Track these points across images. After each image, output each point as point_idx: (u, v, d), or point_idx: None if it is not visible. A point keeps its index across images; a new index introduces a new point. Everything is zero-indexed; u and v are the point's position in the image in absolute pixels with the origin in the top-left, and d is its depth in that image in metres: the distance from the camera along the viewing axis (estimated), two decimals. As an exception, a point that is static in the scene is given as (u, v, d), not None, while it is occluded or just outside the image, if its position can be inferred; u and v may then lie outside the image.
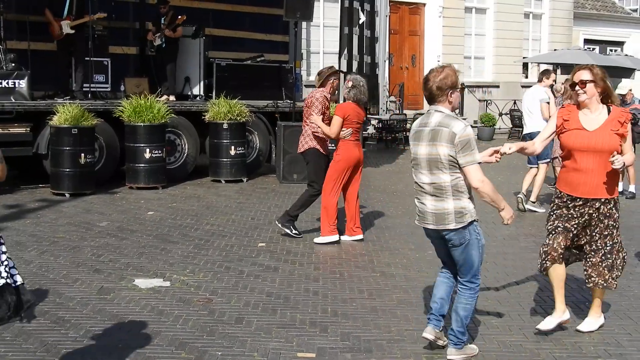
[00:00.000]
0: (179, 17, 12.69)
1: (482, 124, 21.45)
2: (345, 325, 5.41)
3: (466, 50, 22.99)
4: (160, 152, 11.13)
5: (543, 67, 21.43)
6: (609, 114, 5.17)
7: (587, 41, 26.20)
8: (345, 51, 15.90)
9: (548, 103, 10.14)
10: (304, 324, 5.41)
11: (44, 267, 6.74)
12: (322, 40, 20.13)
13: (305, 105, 8.29)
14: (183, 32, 13.07)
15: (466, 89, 22.35)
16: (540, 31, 25.06)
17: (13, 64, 10.95)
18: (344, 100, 8.14)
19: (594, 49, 24.57)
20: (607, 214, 5.18)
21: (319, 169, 8.21)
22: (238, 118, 11.90)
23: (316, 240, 8.02)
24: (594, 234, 5.23)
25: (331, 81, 8.28)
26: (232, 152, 11.99)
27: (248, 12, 15.03)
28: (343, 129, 7.85)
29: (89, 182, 10.54)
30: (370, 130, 18.18)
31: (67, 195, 10.27)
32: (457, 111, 4.74)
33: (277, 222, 8.27)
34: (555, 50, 22.72)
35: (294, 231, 8.15)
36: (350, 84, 7.99)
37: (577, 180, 5.16)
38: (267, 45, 15.17)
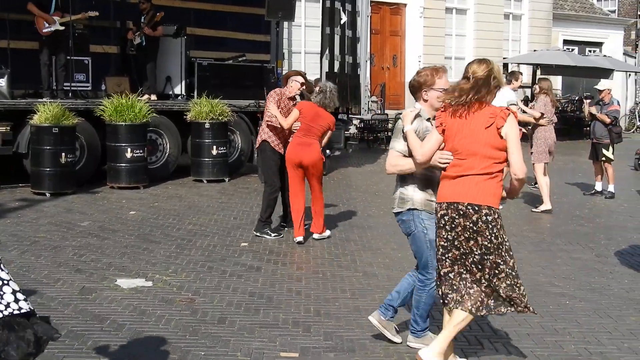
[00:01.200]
0: (158, 14, 12.63)
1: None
2: (328, 324, 5.43)
3: (447, 51, 23.08)
4: (141, 151, 11.09)
5: (512, 67, 21.64)
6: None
7: (566, 42, 26.42)
8: (327, 51, 15.94)
9: (516, 105, 10.22)
10: (287, 324, 5.42)
11: (25, 267, 6.70)
12: (303, 40, 20.13)
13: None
14: (164, 32, 13.02)
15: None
16: (520, 32, 25.22)
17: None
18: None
19: (572, 50, 24.77)
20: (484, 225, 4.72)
21: (268, 165, 8.29)
22: (220, 118, 11.89)
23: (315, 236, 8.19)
24: None
25: (288, 81, 8.37)
26: (214, 152, 11.97)
27: (230, 11, 15.00)
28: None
29: (70, 182, 10.48)
30: (352, 130, 18.21)
31: (47, 194, 10.21)
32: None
33: (254, 233, 8.22)
34: (535, 50, 22.91)
35: (272, 235, 8.16)
36: (317, 88, 8.18)
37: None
38: (249, 44, 15.15)
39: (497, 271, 4.41)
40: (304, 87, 8.50)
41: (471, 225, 4.36)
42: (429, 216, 4.75)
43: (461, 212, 4.37)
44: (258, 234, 8.19)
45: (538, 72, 20.76)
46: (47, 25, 11.34)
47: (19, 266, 6.71)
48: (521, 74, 12.27)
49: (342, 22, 15.98)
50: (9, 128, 10.48)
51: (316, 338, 5.15)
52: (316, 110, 8.01)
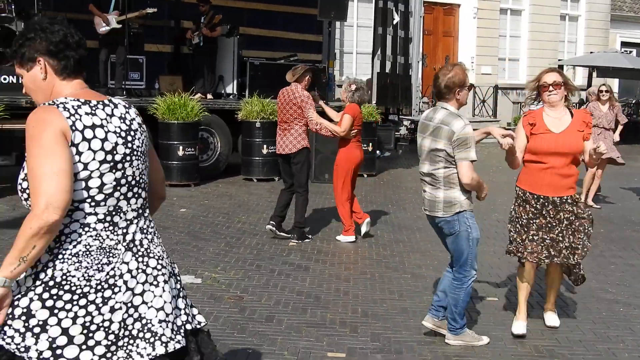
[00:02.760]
0: (216, 16, 12.77)
1: (516, 126, 21.26)
2: (375, 325, 5.40)
3: (500, 52, 22.83)
4: (193, 149, 11.20)
5: (567, 70, 21.25)
6: (572, 116, 5.22)
7: (624, 44, 25.87)
8: (379, 51, 15.90)
9: None
10: (335, 324, 5.41)
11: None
12: (355, 41, 20.12)
13: (285, 102, 8.09)
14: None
15: (500, 91, 22.17)
16: (576, 33, 24.79)
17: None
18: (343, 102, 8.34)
19: (630, 52, 24.24)
20: (570, 211, 5.23)
21: (309, 169, 8.33)
22: (270, 117, 11.92)
23: (338, 238, 8.12)
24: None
25: (307, 77, 8.21)
26: (264, 151, 12.03)
27: (282, 11, 15.06)
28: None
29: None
30: (403, 131, 18.13)
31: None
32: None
33: (293, 242, 7.95)
34: (591, 52, 22.46)
35: (310, 237, 8.15)
36: (354, 87, 8.11)
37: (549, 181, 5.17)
38: (301, 44, 15.20)
39: None
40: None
41: None
42: (471, 215, 4.90)
43: None
44: (300, 242, 7.96)
45: (594, 74, 20.36)
46: (104, 24, 11.55)
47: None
48: (590, 76, 12.21)
49: (394, 22, 15.93)
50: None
51: (363, 339, 5.13)
52: (359, 110, 8.13)
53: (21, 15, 11.08)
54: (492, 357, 4.87)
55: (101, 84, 11.80)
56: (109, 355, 2.55)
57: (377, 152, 13.96)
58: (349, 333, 5.24)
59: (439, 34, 21.74)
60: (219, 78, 13.61)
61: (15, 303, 2.53)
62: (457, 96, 4.83)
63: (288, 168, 8.14)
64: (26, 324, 2.51)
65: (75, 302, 2.53)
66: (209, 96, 12.77)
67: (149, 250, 2.72)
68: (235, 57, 13.48)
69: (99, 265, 2.57)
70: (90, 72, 11.77)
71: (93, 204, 2.59)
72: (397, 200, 10.91)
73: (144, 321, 2.63)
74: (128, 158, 2.66)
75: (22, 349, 2.49)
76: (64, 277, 2.53)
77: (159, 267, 2.73)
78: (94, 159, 2.57)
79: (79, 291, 2.54)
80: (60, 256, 2.55)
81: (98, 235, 2.59)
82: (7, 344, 2.50)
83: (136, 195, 2.73)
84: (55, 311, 2.51)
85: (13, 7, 10.81)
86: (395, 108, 16.92)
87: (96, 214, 2.59)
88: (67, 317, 2.52)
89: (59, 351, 2.50)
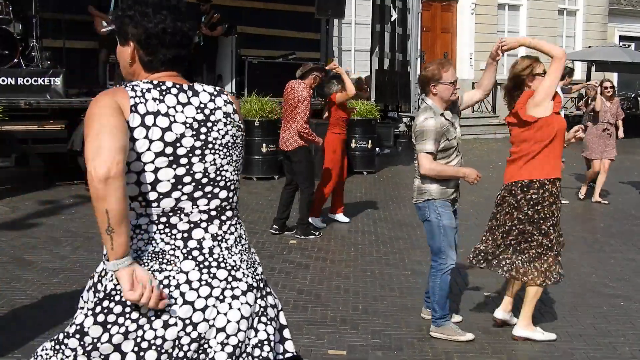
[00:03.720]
0: (215, 15, 12.76)
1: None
2: (376, 322, 5.41)
3: (499, 48, 22.78)
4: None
5: (577, 64, 21.24)
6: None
7: (622, 38, 25.86)
8: (377, 49, 15.90)
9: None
10: (335, 321, 5.42)
11: (78, 262, 6.83)
12: (353, 38, 20.12)
13: (287, 98, 8.11)
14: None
15: (499, 87, 22.14)
16: (574, 28, 24.79)
17: (49, 62, 11.11)
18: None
19: (629, 46, 24.22)
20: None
21: (310, 166, 8.22)
22: (269, 115, 11.94)
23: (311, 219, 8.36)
24: None
25: (314, 75, 8.20)
26: (264, 150, 12.04)
27: (280, 10, 15.06)
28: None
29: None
30: (402, 128, 18.13)
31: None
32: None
33: (297, 236, 8.04)
34: (589, 47, 22.45)
35: (316, 234, 8.15)
36: (333, 81, 8.58)
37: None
38: (299, 43, 15.19)
39: None
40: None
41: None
42: (443, 204, 4.98)
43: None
44: (304, 236, 8.04)
45: (593, 68, 20.36)
46: (105, 25, 11.54)
47: (73, 262, 6.85)
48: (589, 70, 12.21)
49: (392, 19, 15.93)
50: (64, 126, 10.70)
51: (364, 336, 5.14)
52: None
53: (19, 17, 11.10)
54: (493, 353, 4.88)
55: (100, 84, 11.81)
56: None
57: (377, 149, 13.95)
58: (350, 330, 5.24)
59: (437, 30, 21.73)
60: (217, 77, 13.61)
61: (73, 319, 2.33)
62: (433, 91, 4.95)
63: (289, 164, 8.15)
64: (81, 342, 2.26)
65: (127, 316, 2.25)
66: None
67: (219, 260, 2.37)
68: (234, 56, 13.48)
69: (150, 273, 2.25)
70: (87, 73, 11.82)
71: (144, 203, 2.30)
72: (396, 197, 10.91)
73: (202, 341, 2.31)
74: (198, 152, 2.34)
75: None
76: (115, 287, 2.26)
77: (229, 278, 2.37)
78: (149, 149, 2.27)
79: (129, 302, 2.24)
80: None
81: (151, 238, 2.30)
82: None
83: (209, 196, 2.39)
84: (108, 326, 2.24)
85: (11, 8, 10.81)
86: (394, 105, 16.92)
87: (148, 215, 2.30)
88: (118, 332, 2.24)
89: None
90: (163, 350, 2.26)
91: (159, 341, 2.25)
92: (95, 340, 2.23)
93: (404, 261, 7.22)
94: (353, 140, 12.68)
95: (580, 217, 9.79)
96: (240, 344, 2.33)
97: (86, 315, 2.27)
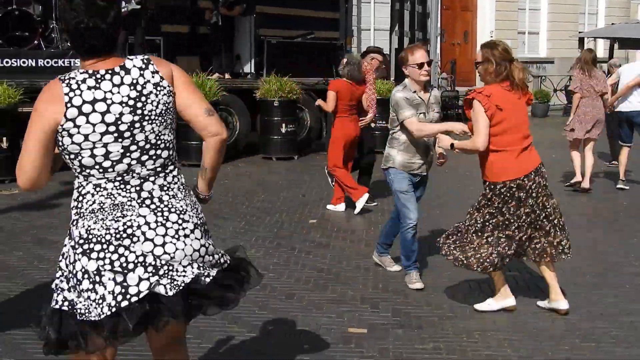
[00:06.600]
0: None
1: (537, 101, 21.05)
2: (396, 301, 5.41)
3: (520, 26, 22.57)
4: (212, 129, 11.20)
5: (588, 42, 20.84)
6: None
7: (646, 14, 25.45)
8: (397, 27, 15.80)
9: None
10: (355, 300, 5.43)
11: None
12: (372, 17, 19.97)
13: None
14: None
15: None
16: (597, 5, 24.44)
17: (68, 43, 11.14)
18: (339, 77, 8.48)
19: (653, 23, 23.85)
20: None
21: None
22: (289, 95, 11.92)
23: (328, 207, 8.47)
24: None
25: (368, 59, 8.31)
26: (283, 130, 12.03)
27: (299, -11, 14.97)
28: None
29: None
30: (422, 107, 18.03)
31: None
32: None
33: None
34: (612, 24, 22.13)
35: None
36: (344, 60, 8.37)
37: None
38: (318, 22, 15.10)
39: None
40: (381, 64, 8.50)
41: (545, 182, 5.01)
42: (397, 172, 5.58)
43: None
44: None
45: (615, 46, 20.09)
46: (124, 4, 11.54)
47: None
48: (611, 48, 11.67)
49: (412, -3, 15.80)
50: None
51: (384, 314, 5.14)
52: (347, 86, 8.26)
53: (38, -2, 11.13)
54: (513, 332, 4.86)
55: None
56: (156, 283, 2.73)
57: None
58: (370, 309, 5.25)
59: (457, 8, 21.51)
60: (236, 57, 13.59)
61: (62, 265, 2.87)
62: (405, 71, 5.49)
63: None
64: (77, 282, 2.77)
65: (106, 250, 2.73)
66: (227, 76, 12.76)
67: (169, 206, 2.82)
68: (252, 36, 13.44)
69: (114, 217, 2.74)
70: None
71: (101, 170, 2.76)
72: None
73: (169, 265, 2.77)
74: (137, 125, 2.75)
75: (79, 304, 2.74)
76: (88, 231, 2.76)
77: (179, 221, 2.82)
78: (94, 131, 2.70)
79: (103, 240, 2.73)
80: (81, 214, 2.80)
81: (109, 194, 2.76)
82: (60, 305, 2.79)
83: (153, 157, 2.83)
84: (93, 261, 2.74)
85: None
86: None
87: (106, 177, 2.77)
88: (104, 264, 2.72)
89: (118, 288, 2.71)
90: (147, 264, 2.73)
91: (140, 258, 2.73)
92: (88, 275, 2.73)
93: (423, 240, 7.19)
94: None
95: (601, 197, 9.70)
96: (200, 268, 2.81)
97: (76, 260, 2.78)
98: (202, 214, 2.98)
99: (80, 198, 2.82)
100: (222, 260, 2.96)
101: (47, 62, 10.62)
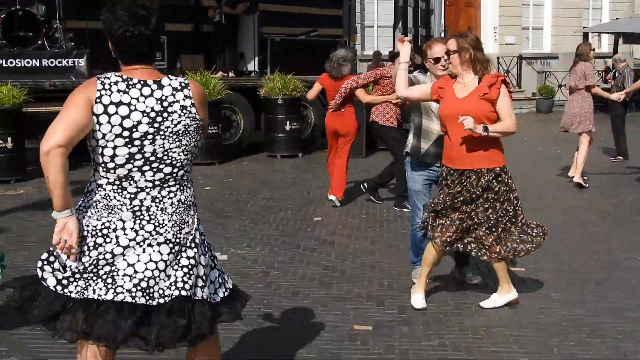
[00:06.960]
0: None
1: (541, 96, 21.03)
2: (401, 298, 5.40)
3: (524, 21, 22.54)
4: (216, 128, 11.22)
5: (592, 37, 20.77)
6: (479, 82, 4.92)
7: (651, 9, 25.37)
8: (400, 24, 15.75)
9: None
10: (361, 297, 5.42)
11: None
12: (376, 14, 19.97)
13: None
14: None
15: (524, 61, 21.91)
16: (601, 0, 24.37)
17: (72, 43, 11.15)
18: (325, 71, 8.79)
19: (658, 18, 23.77)
20: (486, 186, 4.91)
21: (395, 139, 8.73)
22: (293, 93, 11.91)
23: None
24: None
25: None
26: (287, 127, 12.02)
27: (301, -14, 14.95)
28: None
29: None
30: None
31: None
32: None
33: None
34: (617, 19, 22.08)
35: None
36: (331, 57, 8.74)
37: (451, 152, 4.98)
38: (321, 19, 15.08)
39: None
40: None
41: None
42: (410, 163, 5.53)
43: None
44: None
45: (620, 41, 20.04)
46: None
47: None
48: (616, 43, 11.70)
49: (415, -7, 15.76)
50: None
51: (390, 311, 5.14)
52: (329, 81, 8.56)
53: (42, -1, 11.15)
54: (519, 328, 4.85)
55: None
56: (71, 279, 2.95)
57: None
58: (376, 306, 5.24)
59: (461, 4, 21.49)
60: (239, 55, 13.59)
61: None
62: (426, 65, 5.58)
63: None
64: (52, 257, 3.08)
65: (84, 243, 2.98)
66: (231, 74, 12.76)
67: (152, 217, 2.98)
68: (256, 34, 13.44)
69: (99, 217, 2.97)
70: (110, 54, 11.82)
71: (105, 169, 2.97)
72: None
73: (113, 268, 2.93)
74: (150, 137, 2.93)
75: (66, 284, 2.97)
76: (84, 225, 3.00)
77: (153, 233, 2.98)
78: (110, 131, 2.90)
79: (84, 234, 2.98)
80: (81, 209, 3.04)
81: (107, 195, 2.97)
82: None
83: (154, 169, 2.99)
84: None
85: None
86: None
87: (107, 178, 2.97)
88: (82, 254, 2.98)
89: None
90: (81, 262, 2.95)
91: (84, 258, 2.95)
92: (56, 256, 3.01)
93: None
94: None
95: (607, 193, 9.68)
96: (145, 279, 2.92)
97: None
98: (192, 236, 3.14)
99: (87, 194, 3.07)
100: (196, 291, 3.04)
101: (51, 62, 10.64)
